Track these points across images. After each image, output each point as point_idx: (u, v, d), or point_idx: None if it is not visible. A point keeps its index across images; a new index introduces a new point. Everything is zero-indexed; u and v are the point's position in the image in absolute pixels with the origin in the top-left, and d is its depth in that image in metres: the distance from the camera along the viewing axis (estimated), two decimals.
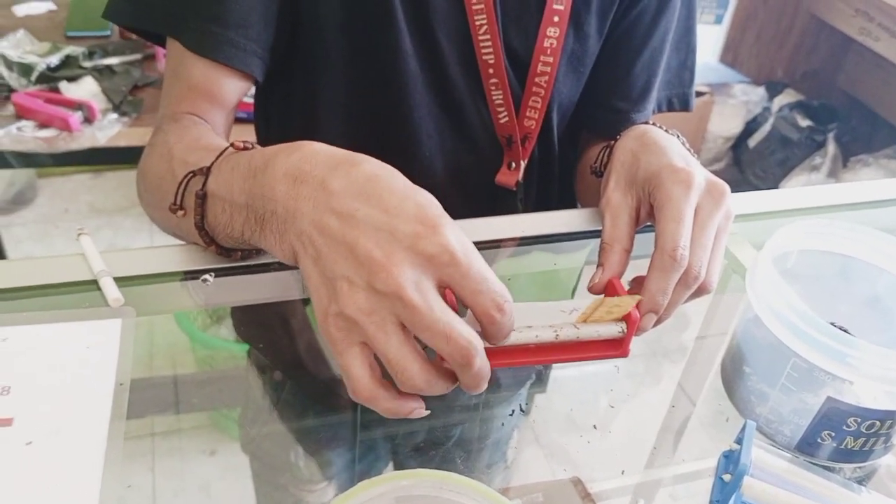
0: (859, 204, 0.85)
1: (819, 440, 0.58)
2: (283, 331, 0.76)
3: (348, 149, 0.46)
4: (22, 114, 1.50)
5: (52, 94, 1.55)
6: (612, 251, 0.57)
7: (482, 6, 0.70)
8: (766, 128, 2.74)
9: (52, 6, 1.88)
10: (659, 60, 0.80)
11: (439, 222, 0.42)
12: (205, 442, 0.73)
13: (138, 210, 0.70)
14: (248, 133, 0.78)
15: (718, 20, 2.77)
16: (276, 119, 0.81)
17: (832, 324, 0.56)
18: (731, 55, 2.88)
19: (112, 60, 1.67)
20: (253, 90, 0.74)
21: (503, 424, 0.74)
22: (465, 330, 0.41)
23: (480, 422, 0.73)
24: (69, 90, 1.57)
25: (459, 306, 0.45)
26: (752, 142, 2.78)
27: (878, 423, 0.56)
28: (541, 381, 0.76)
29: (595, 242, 0.64)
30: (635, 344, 0.50)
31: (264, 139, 0.84)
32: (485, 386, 0.44)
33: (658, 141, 0.62)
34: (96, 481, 0.47)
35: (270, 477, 0.73)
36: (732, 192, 0.59)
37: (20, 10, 1.83)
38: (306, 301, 0.68)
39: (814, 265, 0.68)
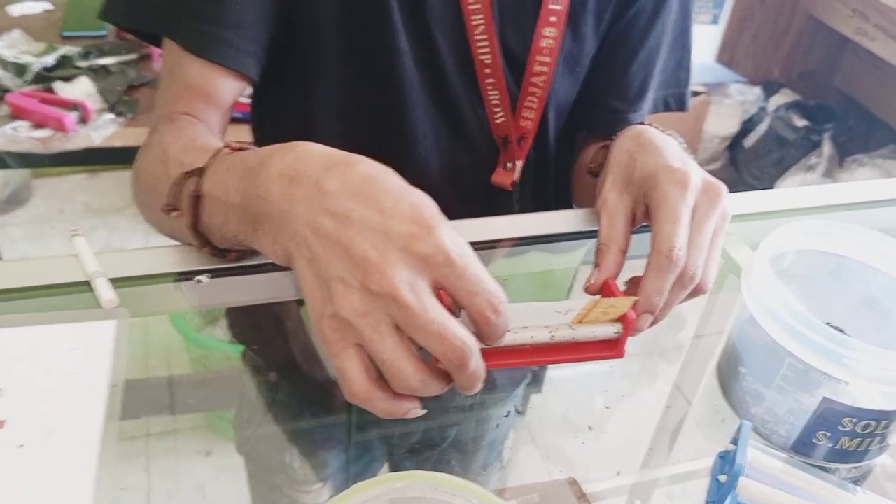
0: (855, 204, 0.85)
1: (815, 440, 0.58)
2: (278, 332, 0.76)
3: (344, 149, 0.46)
4: (17, 114, 1.49)
5: (48, 94, 1.54)
6: (608, 251, 0.57)
7: (479, 6, 0.70)
8: (762, 128, 2.75)
9: (48, 6, 1.88)
10: (655, 60, 0.80)
11: (434, 223, 0.41)
12: (200, 443, 0.73)
13: (134, 210, 0.70)
14: (244, 133, 0.78)
15: (715, 20, 2.78)
16: (271, 119, 0.81)
17: (828, 324, 0.56)
18: (727, 55, 2.89)
19: (108, 60, 1.66)
20: (249, 90, 0.74)
21: (499, 425, 0.74)
22: (459, 331, 0.41)
23: (476, 422, 0.73)
24: (64, 90, 1.57)
25: (455, 307, 0.45)
26: (749, 142, 2.78)
27: (873, 423, 0.56)
28: (536, 381, 0.76)
29: (591, 243, 0.64)
30: (631, 344, 0.50)
31: (260, 139, 0.84)
32: (480, 387, 0.44)
33: (654, 141, 0.62)
34: (90, 483, 0.47)
35: (265, 478, 0.73)
36: (729, 191, 0.59)
37: (15, 10, 1.83)
38: (301, 302, 0.68)
39: (810, 265, 0.68)
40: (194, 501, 0.65)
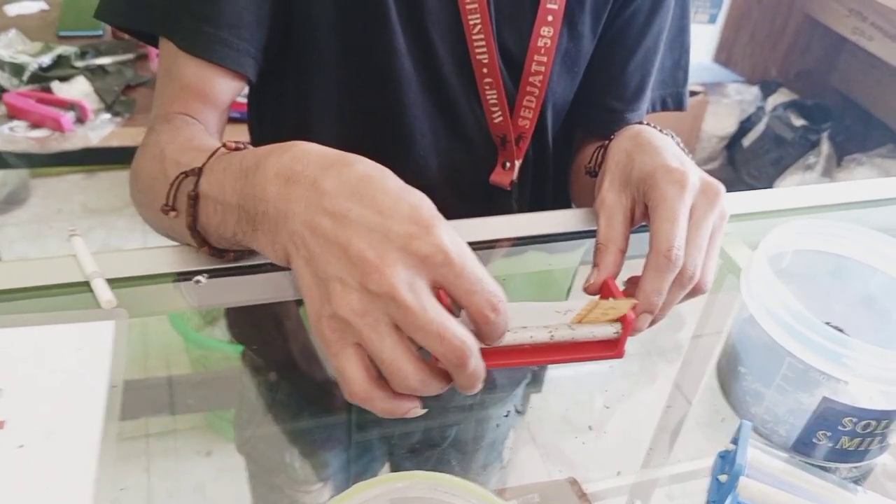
0: (854, 203, 0.85)
1: (815, 440, 0.58)
2: (277, 332, 0.76)
3: (342, 149, 0.46)
4: (14, 114, 1.49)
5: (44, 94, 1.54)
6: (606, 251, 0.57)
7: (476, 6, 0.69)
8: (760, 127, 2.75)
9: (44, 6, 1.87)
10: (653, 60, 0.80)
11: (433, 223, 0.41)
12: (200, 443, 0.73)
13: (131, 210, 0.70)
14: (241, 133, 0.78)
15: (712, 20, 2.78)
16: (269, 119, 0.81)
17: (827, 323, 0.56)
18: (725, 55, 2.89)
19: (104, 60, 1.66)
20: (246, 90, 0.74)
21: (499, 425, 0.74)
22: (459, 330, 0.41)
23: (476, 422, 0.73)
24: (61, 90, 1.57)
25: (454, 307, 0.44)
26: (747, 141, 2.78)
27: (873, 422, 0.56)
28: (536, 381, 0.76)
29: (590, 242, 0.64)
30: (630, 344, 0.50)
31: (257, 139, 0.84)
32: (480, 386, 0.44)
33: (652, 141, 0.62)
34: (90, 484, 0.47)
35: (266, 478, 0.73)
36: (727, 191, 0.59)
37: (12, 10, 1.83)
38: (300, 302, 0.68)
39: (808, 265, 0.68)
40: (194, 501, 0.65)
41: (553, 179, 0.84)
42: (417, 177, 0.53)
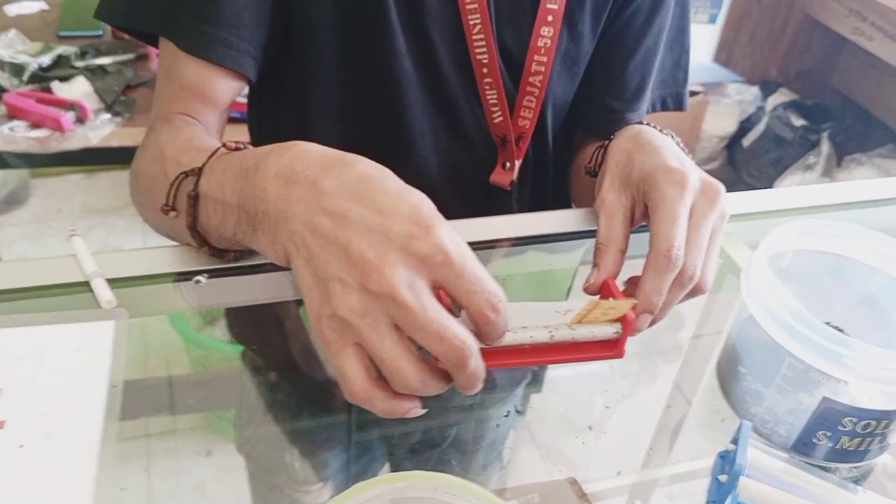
0: (854, 203, 0.85)
1: (815, 440, 0.58)
2: (277, 332, 0.76)
3: (342, 149, 0.46)
4: (14, 114, 1.49)
5: (44, 94, 1.54)
6: (606, 251, 0.57)
7: (476, 6, 0.69)
8: (760, 127, 2.75)
9: (44, 6, 1.87)
10: (653, 60, 0.80)
11: (433, 223, 0.41)
12: (200, 443, 0.73)
13: (131, 210, 0.70)
14: (241, 133, 0.78)
15: (712, 20, 2.78)
16: (269, 119, 0.81)
17: (827, 323, 0.56)
18: (724, 55, 2.89)
19: (104, 60, 1.66)
20: (246, 90, 0.74)
21: (499, 425, 0.74)
22: (459, 330, 0.41)
23: (476, 422, 0.73)
24: (61, 90, 1.57)
25: (454, 307, 0.44)
26: (747, 141, 2.78)
27: (873, 422, 0.56)
28: (536, 381, 0.76)
29: (590, 242, 0.64)
30: (630, 343, 0.50)
31: (257, 139, 0.84)
32: (480, 386, 0.44)
33: (652, 141, 0.62)
34: (90, 484, 0.47)
35: (266, 478, 0.73)
36: (727, 191, 0.59)
37: (12, 10, 1.83)
38: (300, 302, 0.68)
39: (808, 265, 0.68)
40: (194, 501, 0.65)
41: (553, 179, 0.84)
42: (417, 177, 0.53)
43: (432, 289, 0.42)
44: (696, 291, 0.56)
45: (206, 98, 0.66)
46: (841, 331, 0.64)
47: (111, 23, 0.70)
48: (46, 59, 1.62)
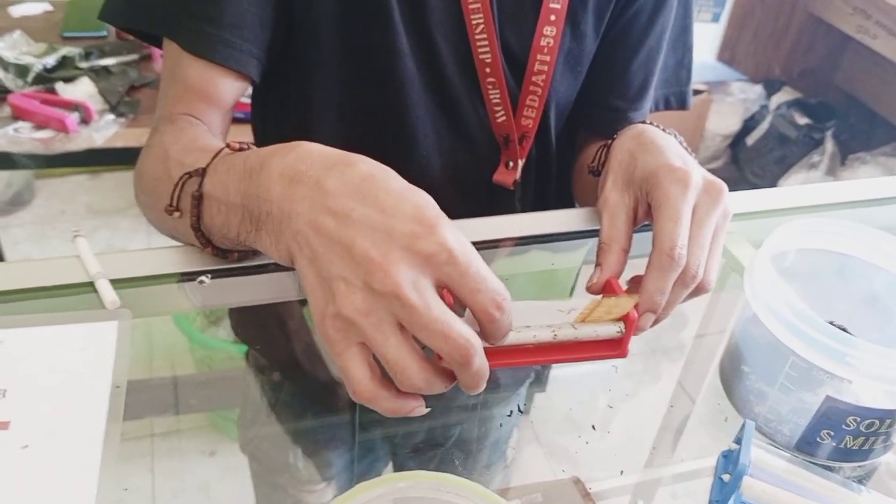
0: (857, 202, 0.85)
1: (818, 439, 0.58)
2: (281, 332, 0.76)
3: (344, 149, 0.46)
4: (18, 115, 1.50)
5: (49, 95, 1.55)
6: (609, 251, 0.57)
7: (478, 5, 0.69)
8: (763, 126, 2.75)
9: (49, 7, 1.88)
10: (656, 59, 0.80)
11: (437, 222, 0.41)
12: (204, 443, 0.73)
13: (136, 211, 0.70)
14: (244, 133, 0.78)
15: (716, 18, 2.77)
16: (272, 119, 0.81)
17: (831, 322, 0.56)
18: (728, 53, 2.88)
19: (109, 61, 1.67)
20: (250, 90, 0.74)
21: (502, 424, 0.74)
22: (463, 329, 0.41)
23: (479, 422, 0.73)
24: (66, 91, 1.57)
25: (457, 306, 0.45)
26: (751, 140, 2.78)
27: (877, 421, 0.56)
28: (540, 380, 0.76)
29: (593, 242, 0.64)
30: (634, 343, 0.50)
31: (261, 139, 0.84)
32: (484, 385, 0.44)
33: (655, 140, 0.62)
34: (93, 484, 0.47)
35: (270, 478, 0.73)
36: (730, 190, 0.59)
37: (16, 11, 1.83)
38: (303, 302, 0.68)
39: (812, 264, 0.67)
40: (199, 501, 0.65)
41: (556, 179, 0.84)
42: (420, 177, 0.53)
43: (436, 288, 0.42)
44: (699, 290, 0.56)
45: (210, 99, 0.66)
46: (845, 330, 0.64)
47: (115, 24, 0.70)
48: (51, 60, 1.62)
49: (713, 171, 0.59)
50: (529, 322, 0.47)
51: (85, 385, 0.52)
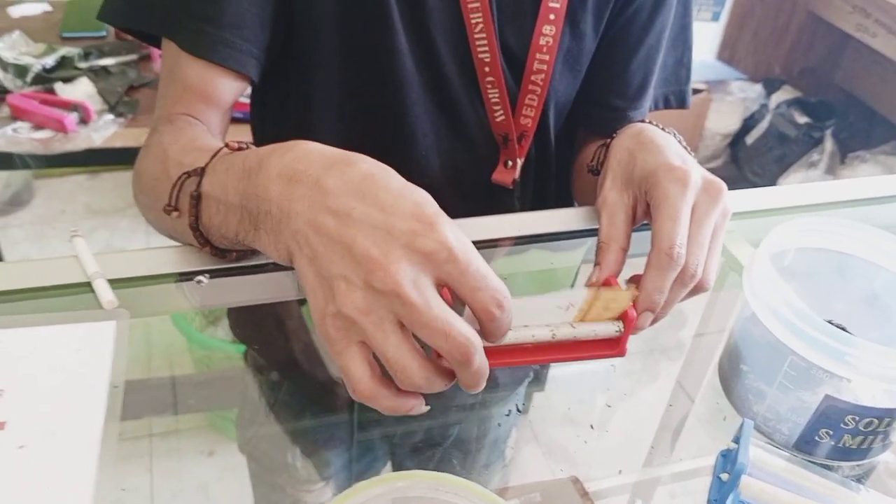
0: (857, 201, 0.85)
1: (817, 438, 0.58)
2: (280, 331, 0.76)
3: (344, 148, 0.46)
4: (17, 115, 1.50)
5: (48, 96, 1.54)
6: (608, 250, 0.57)
7: (478, 4, 0.69)
8: (763, 125, 2.75)
9: (48, 7, 1.88)
10: (655, 58, 0.80)
11: (436, 220, 0.41)
12: (202, 443, 0.73)
13: (135, 211, 0.70)
14: (244, 133, 0.78)
15: (715, 17, 2.77)
16: (271, 119, 0.81)
17: (830, 321, 0.56)
18: (728, 52, 2.88)
19: (108, 61, 1.67)
20: (249, 90, 0.74)
21: (500, 424, 0.74)
22: (463, 327, 0.41)
23: (478, 421, 0.73)
24: (65, 91, 1.57)
25: (456, 304, 0.44)
26: (750, 139, 2.78)
27: (876, 420, 0.56)
28: (538, 380, 0.76)
29: (592, 241, 0.64)
30: (632, 342, 0.50)
31: (260, 139, 0.84)
32: (484, 384, 0.44)
33: (655, 139, 0.62)
34: (90, 484, 0.47)
35: (268, 477, 0.73)
36: (730, 189, 0.59)
37: (16, 11, 1.83)
38: (302, 301, 0.68)
39: (811, 263, 0.67)
40: (197, 500, 0.65)
41: (555, 178, 0.84)
42: (419, 176, 0.53)
43: (436, 286, 0.42)
44: (698, 289, 0.56)
45: (209, 99, 0.66)
46: (843, 329, 0.64)
47: (114, 24, 0.70)
48: (50, 61, 1.62)
49: (713, 170, 0.59)
50: (527, 320, 0.47)
51: (83, 385, 0.52)
